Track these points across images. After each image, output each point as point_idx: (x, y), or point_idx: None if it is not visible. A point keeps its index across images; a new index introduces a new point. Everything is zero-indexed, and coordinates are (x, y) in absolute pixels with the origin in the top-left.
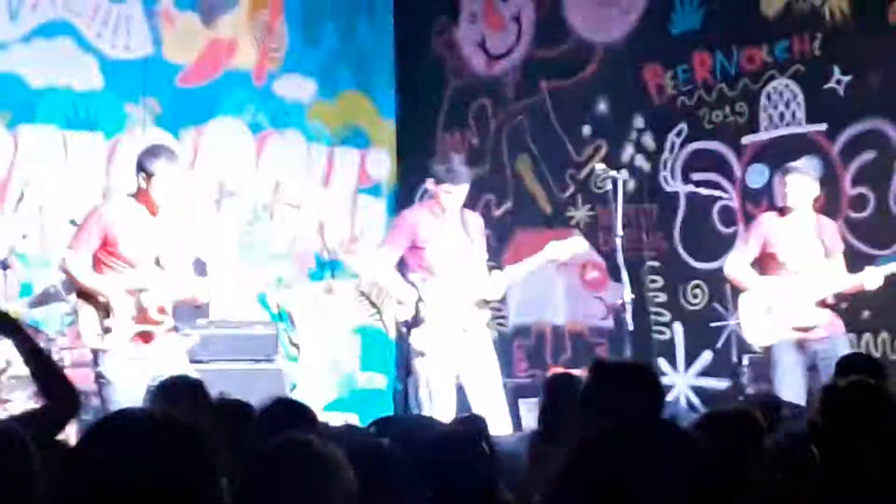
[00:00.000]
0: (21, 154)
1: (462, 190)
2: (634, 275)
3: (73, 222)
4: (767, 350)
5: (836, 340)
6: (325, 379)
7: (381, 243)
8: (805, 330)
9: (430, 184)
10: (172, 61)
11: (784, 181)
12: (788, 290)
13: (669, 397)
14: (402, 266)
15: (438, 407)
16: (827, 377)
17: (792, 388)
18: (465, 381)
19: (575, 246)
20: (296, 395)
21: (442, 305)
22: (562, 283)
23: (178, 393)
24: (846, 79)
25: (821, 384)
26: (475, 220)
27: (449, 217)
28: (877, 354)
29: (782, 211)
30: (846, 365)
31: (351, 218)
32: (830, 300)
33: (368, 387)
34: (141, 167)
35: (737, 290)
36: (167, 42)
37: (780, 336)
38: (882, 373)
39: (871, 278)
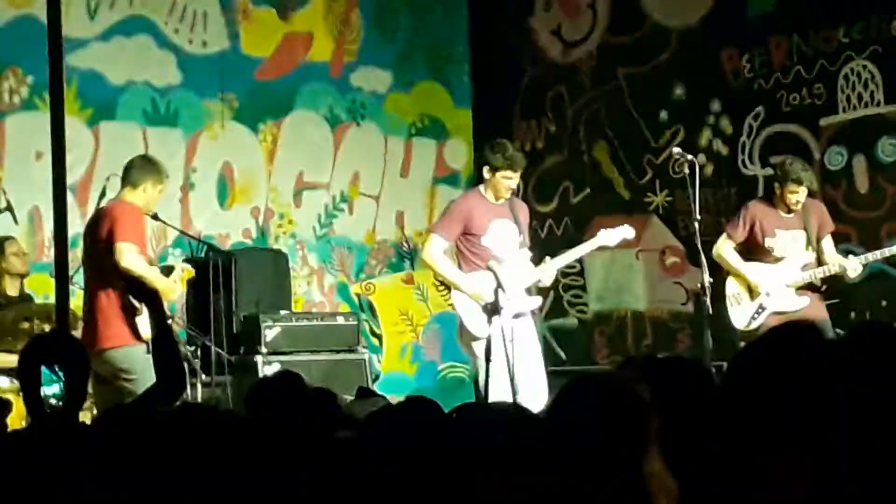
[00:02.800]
0: (102, 150)
1: (518, 176)
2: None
3: (155, 216)
4: (753, 335)
5: (821, 325)
6: (408, 368)
7: (429, 229)
8: (787, 314)
9: (486, 171)
10: (250, 55)
11: (791, 191)
12: (773, 275)
13: None
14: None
15: (497, 394)
16: None
17: None
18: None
19: (624, 233)
20: (378, 386)
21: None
22: (641, 268)
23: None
24: None
25: None
26: (523, 207)
27: (502, 204)
28: None
29: (771, 199)
30: None
31: (429, 208)
32: (816, 284)
33: (451, 375)
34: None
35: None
36: (244, 36)
37: (766, 321)
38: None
39: (852, 266)
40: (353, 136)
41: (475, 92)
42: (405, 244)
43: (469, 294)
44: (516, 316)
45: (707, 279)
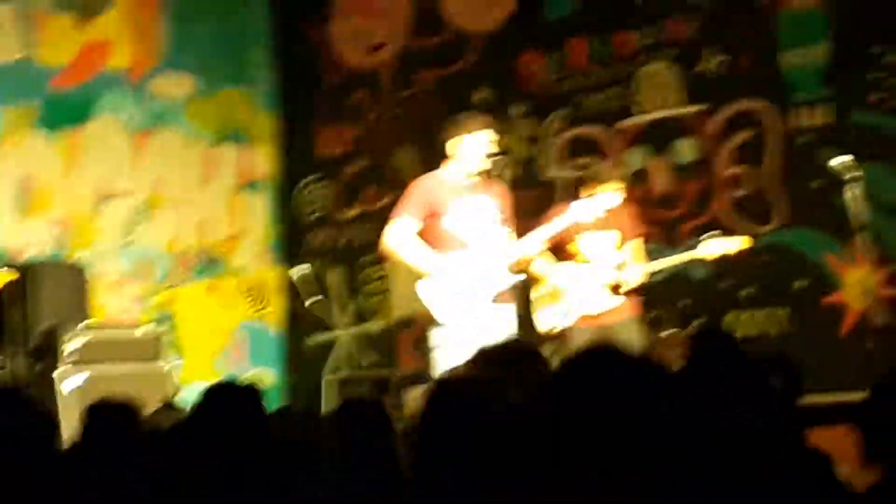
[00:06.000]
0: None
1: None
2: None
3: None
4: (562, 337)
5: (624, 325)
6: (211, 378)
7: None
8: (596, 317)
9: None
10: (47, 64)
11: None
12: (578, 277)
13: None
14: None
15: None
16: None
17: None
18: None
19: (602, 203)
20: (181, 396)
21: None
22: None
23: None
24: (719, 59)
25: None
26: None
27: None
28: (756, 331)
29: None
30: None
31: (232, 215)
32: (621, 286)
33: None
34: None
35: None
36: (40, 45)
37: (570, 323)
38: None
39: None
40: (154, 143)
41: (278, 97)
42: (208, 252)
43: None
44: (495, 300)
45: (520, 280)
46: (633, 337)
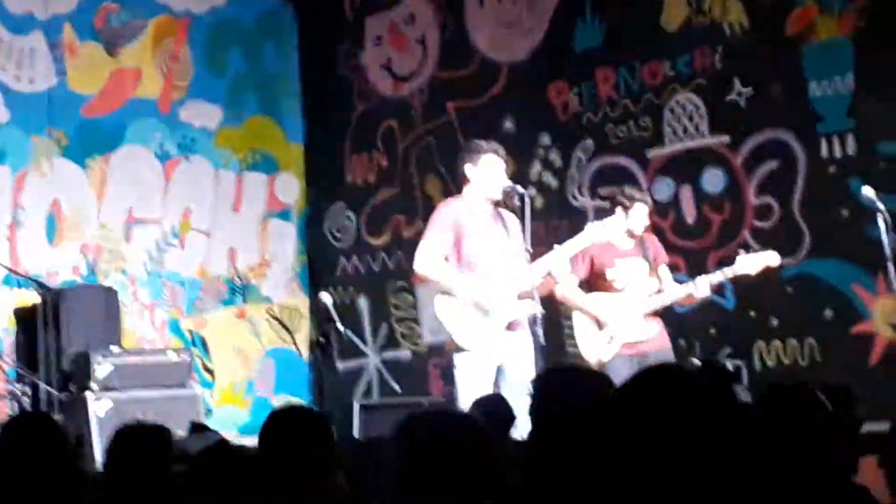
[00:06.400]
0: None
1: None
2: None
3: None
4: (603, 367)
5: (662, 353)
6: (241, 403)
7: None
8: (636, 344)
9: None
10: (77, 92)
11: (628, 211)
12: (617, 306)
13: None
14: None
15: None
16: None
17: None
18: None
19: (617, 223)
20: (211, 421)
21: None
22: None
23: None
24: (747, 90)
25: None
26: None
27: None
28: (786, 361)
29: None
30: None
31: (261, 242)
32: (659, 311)
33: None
34: None
35: None
36: (71, 73)
37: (614, 351)
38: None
39: (700, 288)
40: (183, 170)
41: (306, 126)
42: (237, 279)
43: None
44: (510, 327)
45: (539, 310)
46: None
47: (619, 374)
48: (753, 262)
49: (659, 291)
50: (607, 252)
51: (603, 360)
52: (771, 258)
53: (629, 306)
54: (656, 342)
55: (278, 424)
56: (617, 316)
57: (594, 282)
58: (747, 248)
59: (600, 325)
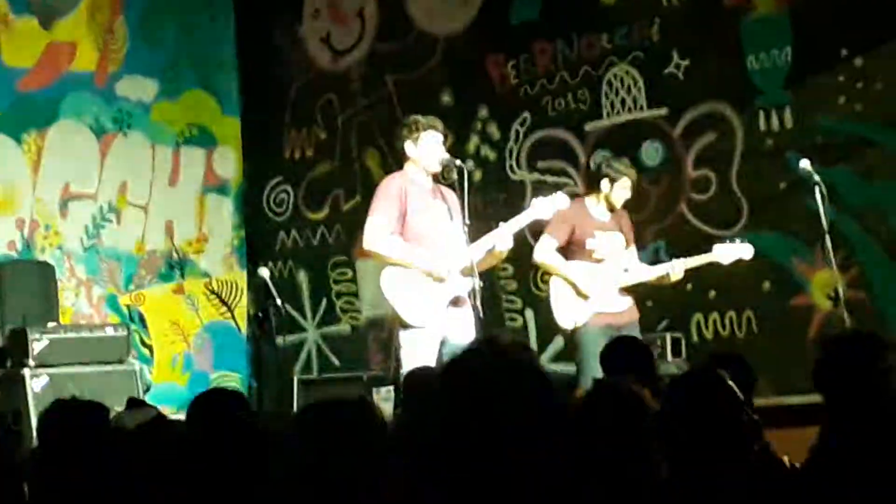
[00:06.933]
0: None
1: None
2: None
3: None
4: (575, 332)
5: (633, 327)
6: (178, 378)
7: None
8: (611, 315)
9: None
10: (12, 66)
11: (613, 182)
12: (597, 276)
13: None
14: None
15: None
16: None
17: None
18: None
19: (559, 201)
20: (149, 396)
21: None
22: None
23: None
24: (685, 63)
25: None
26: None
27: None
28: (724, 333)
29: (586, 199)
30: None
31: (199, 217)
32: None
33: (223, 385)
34: None
35: None
36: (5, 47)
37: (587, 319)
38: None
39: (675, 271)
40: (119, 145)
41: (244, 100)
42: (175, 254)
43: None
44: (453, 303)
45: (477, 283)
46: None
47: (594, 343)
48: (728, 252)
49: (639, 268)
50: (587, 222)
51: (578, 326)
52: (745, 251)
53: (608, 277)
54: (628, 315)
55: (199, 408)
56: (596, 285)
57: (573, 250)
58: (685, 222)
59: (578, 293)
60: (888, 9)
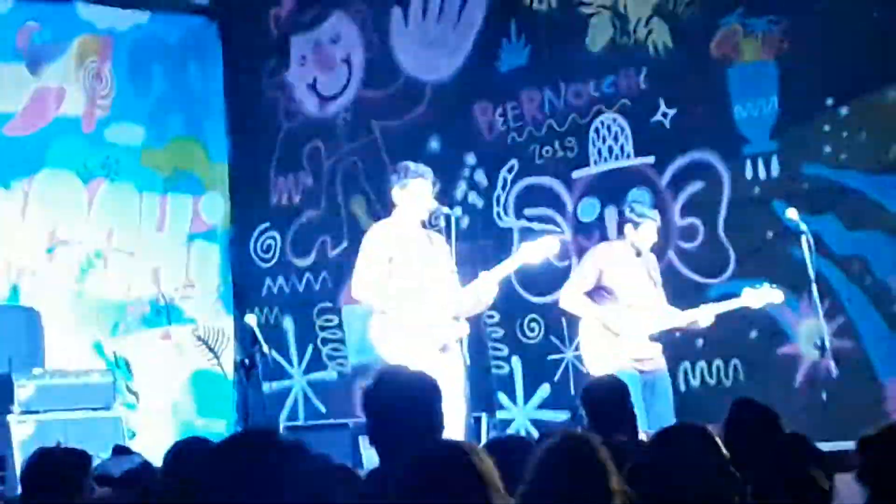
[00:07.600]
0: None
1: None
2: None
3: None
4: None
5: (660, 374)
6: (164, 425)
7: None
8: (640, 361)
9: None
10: None
11: (638, 226)
12: (626, 321)
13: (510, 430)
14: None
15: None
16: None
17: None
18: None
19: (549, 245)
20: (135, 443)
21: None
22: None
23: None
24: (672, 111)
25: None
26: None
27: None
28: (711, 381)
29: (613, 243)
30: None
31: (186, 263)
32: (658, 334)
33: (207, 431)
34: None
35: (572, 323)
36: None
37: (620, 366)
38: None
39: (705, 316)
40: (106, 191)
41: (231, 146)
42: (162, 300)
43: None
44: (441, 349)
45: (467, 332)
46: (669, 387)
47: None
48: (758, 296)
49: (668, 315)
50: (615, 266)
51: (610, 371)
52: (776, 296)
53: (639, 323)
54: (659, 362)
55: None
56: (629, 330)
57: (602, 294)
58: (672, 270)
59: (610, 337)
60: (873, 59)
